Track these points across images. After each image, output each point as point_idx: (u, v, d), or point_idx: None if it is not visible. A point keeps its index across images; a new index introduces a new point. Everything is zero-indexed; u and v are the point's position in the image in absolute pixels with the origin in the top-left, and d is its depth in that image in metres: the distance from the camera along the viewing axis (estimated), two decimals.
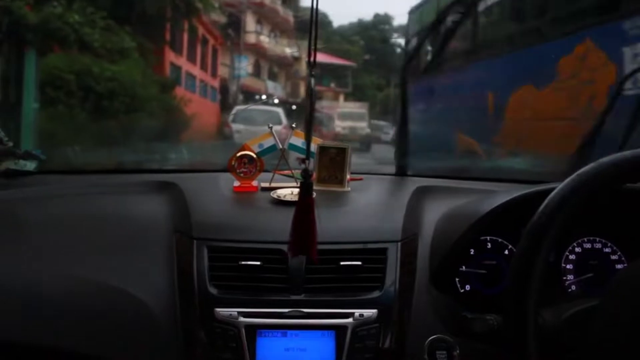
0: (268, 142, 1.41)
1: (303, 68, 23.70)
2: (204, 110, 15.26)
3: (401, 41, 29.70)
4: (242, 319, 1.03)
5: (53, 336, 1.04)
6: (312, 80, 0.91)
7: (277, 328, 1.04)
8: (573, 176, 0.86)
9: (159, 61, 12.12)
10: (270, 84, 23.32)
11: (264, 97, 21.21)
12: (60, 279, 1.08)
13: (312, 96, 0.91)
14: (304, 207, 0.95)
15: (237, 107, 16.74)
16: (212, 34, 18.07)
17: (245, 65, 20.60)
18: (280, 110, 15.13)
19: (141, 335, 1.05)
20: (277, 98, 22.31)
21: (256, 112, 12.62)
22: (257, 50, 22.62)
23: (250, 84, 21.36)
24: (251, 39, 21.76)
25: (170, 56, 13.79)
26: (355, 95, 26.17)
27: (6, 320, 1.04)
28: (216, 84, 18.85)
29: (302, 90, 24.31)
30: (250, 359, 1.01)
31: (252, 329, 1.03)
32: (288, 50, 24.25)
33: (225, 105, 18.07)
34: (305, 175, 0.94)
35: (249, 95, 20.69)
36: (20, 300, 1.05)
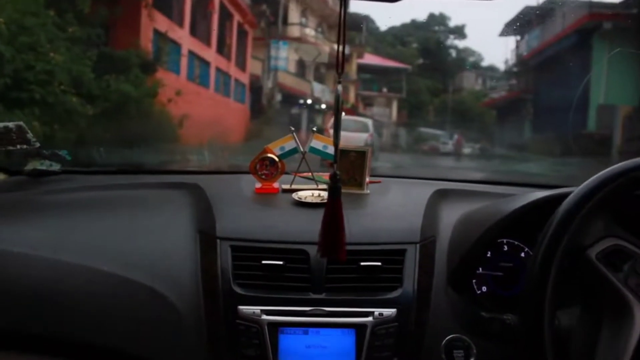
0: (289, 145, 1.44)
1: (353, 70, 22.27)
2: (223, 113, 12.88)
3: (458, 43, 28.94)
4: (264, 316, 1.05)
5: (77, 330, 1.08)
6: (339, 87, 0.94)
7: (298, 326, 1.07)
8: (590, 180, 0.88)
9: (129, 21, 8.15)
10: (317, 87, 20.65)
11: (309, 101, 19.21)
12: (86, 273, 1.11)
13: (339, 101, 0.94)
14: (333, 210, 0.97)
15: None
16: (238, 7, 13.93)
17: (285, 55, 17.54)
18: (369, 121, 14.79)
19: (165, 331, 1.08)
20: (325, 103, 20.13)
21: (347, 120, 12.56)
22: (301, 47, 19.81)
23: (292, 84, 18.83)
24: (294, 32, 19.03)
25: (155, 21, 9.08)
26: (409, 101, 24.76)
27: (29, 314, 1.08)
28: (245, 79, 15.59)
29: (352, 94, 22.57)
30: (272, 355, 1.04)
31: (275, 327, 1.05)
32: (335, 47, 22.23)
33: (257, 109, 16.06)
34: (334, 178, 0.96)
35: (291, 99, 18.32)
36: (43, 294, 1.09)
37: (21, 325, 1.08)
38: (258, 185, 1.40)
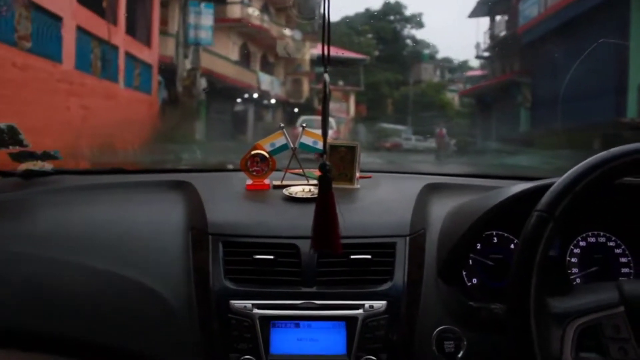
0: (280, 142, 1.45)
1: (306, 60, 19.26)
2: (113, 109, 7.99)
3: (415, 33, 26.61)
4: (256, 310, 1.07)
5: (71, 326, 1.09)
6: (327, 77, 0.93)
7: (290, 319, 1.08)
8: (572, 169, 0.90)
9: None
10: (265, 78, 17.82)
11: (255, 95, 16.72)
12: (79, 270, 1.13)
13: (327, 94, 0.93)
14: (324, 201, 0.95)
15: (303, 117, 14.10)
16: None
17: (209, 23, 12.37)
18: (332, 119, 13.12)
19: (159, 326, 1.09)
20: (274, 97, 18.17)
21: (310, 120, 11.03)
22: (244, 30, 16.38)
23: (234, 75, 15.80)
24: (235, 12, 16.06)
25: None
26: (367, 94, 22.40)
27: (25, 311, 1.09)
28: (151, 58, 10.18)
29: (306, 88, 20.12)
30: (264, 348, 1.05)
31: (266, 320, 1.07)
32: (287, 33, 17.42)
33: (172, 102, 11.47)
34: (324, 169, 0.95)
35: (234, 92, 15.49)
36: (39, 291, 1.10)
37: (15, 323, 1.09)
38: (249, 182, 1.42)
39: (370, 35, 24.40)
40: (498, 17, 18.60)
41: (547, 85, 11.96)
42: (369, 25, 23.93)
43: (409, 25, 26.35)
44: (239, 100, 16.52)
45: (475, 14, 19.62)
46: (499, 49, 18.95)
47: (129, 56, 9.22)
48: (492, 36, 18.71)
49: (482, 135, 15.97)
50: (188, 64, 12.51)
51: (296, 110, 19.35)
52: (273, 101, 18.21)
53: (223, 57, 15.06)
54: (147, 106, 10.12)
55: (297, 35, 16.37)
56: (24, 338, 1.10)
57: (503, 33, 18.09)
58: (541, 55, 13.45)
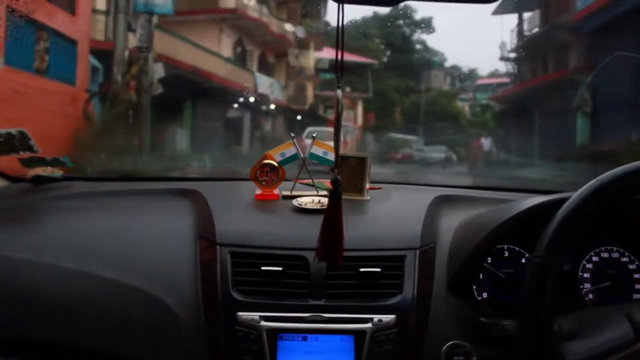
0: (290, 152, 1.44)
1: (311, 63, 17.48)
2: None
3: (425, 38, 24.97)
4: (263, 323, 1.05)
5: (78, 335, 1.08)
6: (339, 92, 0.93)
7: (297, 332, 1.06)
8: (587, 185, 0.89)
9: None
10: (263, 80, 15.36)
11: (252, 99, 14.37)
12: (87, 279, 1.12)
13: (340, 105, 0.93)
14: (333, 215, 0.96)
15: (310, 128, 12.48)
16: None
17: None
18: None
19: (165, 337, 1.08)
20: (274, 102, 15.73)
21: (320, 132, 11.61)
22: (239, 23, 14.45)
23: (227, 75, 13.35)
24: (228, 0, 14.15)
25: None
26: (375, 102, 21.12)
27: (31, 319, 1.08)
28: (76, 33, 7.36)
29: (310, 94, 18.24)
30: None
31: (274, 333, 1.05)
32: (288, 28, 15.78)
33: (111, 98, 7.94)
34: (335, 184, 0.95)
35: (226, 95, 13.28)
36: (45, 299, 1.10)
37: (23, 331, 1.08)
38: (258, 191, 1.41)
39: (377, 40, 23.01)
40: (527, 14, 16.12)
41: (615, 84, 9.36)
42: (376, 29, 22.35)
43: (418, 30, 24.58)
44: (231, 104, 14.28)
45: (500, 10, 16.56)
46: (534, 46, 16.12)
47: (31, 23, 5.19)
48: (521, 34, 16.41)
49: (520, 147, 13.24)
50: (135, 42, 8.70)
51: (299, 117, 17.58)
52: (272, 107, 15.99)
53: (212, 53, 13.28)
54: (66, 102, 6.68)
55: (301, 32, 15.27)
56: (29, 347, 1.10)
57: (535, 29, 15.78)
58: (606, 47, 10.39)
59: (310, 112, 18.09)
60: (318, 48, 17.11)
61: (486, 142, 13.46)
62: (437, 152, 14.42)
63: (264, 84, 15.48)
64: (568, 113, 11.94)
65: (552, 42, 14.72)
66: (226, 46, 14.23)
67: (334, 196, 0.96)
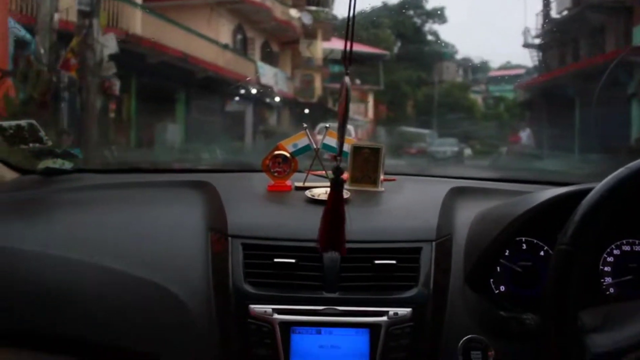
0: (302, 142, 1.42)
1: (319, 53, 16.52)
2: None
3: (438, 28, 23.51)
4: (276, 315, 1.04)
5: (88, 327, 1.07)
6: (347, 79, 0.90)
7: (311, 325, 1.04)
8: (610, 176, 0.86)
9: None
10: (266, 70, 14.22)
11: (254, 90, 13.18)
12: (97, 271, 1.11)
13: (348, 94, 0.90)
14: (333, 204, 0.95)
15: (321, 125, 12.83)
16: None
17: None
18: (351, 127, 11.16)
19: (177, 329, 1.07)
20: (278, 94, 14.70)
21: (333, 128, 11.01)
22: (239, 8, 13.29)
23: (226, 64, 12.23)
24: None
25: None
26: (387, 94, 20.00)
27: (39, 311, 1.08)
28: None
29: (318, 86, 16.99)
30: (284, 355, 1.02)
31: (287, 326, 1.04)
32: (293, 14, 14.77)
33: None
34: (337, 172, 0.94)
35: (222, 86, 12.18)
36: (54, 291, 1.09)
37: (32, 323, 1.08)
38: (271, 183, 1.39)
39: (388, 30, 21.30)
40: None
41: None
42: (387, 18, 20.65)
43: (430, 20, 23.29)
44: (231, 96, 13.00)
45: None
46: (565, 29, 14.27)
47: None
48: (548, 16, 14.74)
49: (557, 140, 11.65)
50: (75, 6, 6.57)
51: (307, 111, 16.36)
52: (277, 99, 14.88)
53: (208, 39, 11.93)
54: None
55: (307, 18, 14.42)
56: (36, 338, 1.09)
57: (565, 12, 13.87)
58: None
59: (319, 105, 16.91)
60: (326, 38, 16.19)
61: (524, 135, 12.16)
62: (448, 146, 13.79)
63: (268, 74, 14.34)
64: (620, 101, 10.44)
65: (586, 24, 13.15)
66: (225, 33, 12.85)
67: (336, 185, 0.95)
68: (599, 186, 0.86)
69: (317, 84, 17.42)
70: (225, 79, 12.32)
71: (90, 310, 1.08)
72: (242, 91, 13.21)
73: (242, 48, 13.96)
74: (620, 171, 0.86)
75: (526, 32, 15.50)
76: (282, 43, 15.89)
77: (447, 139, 14.41)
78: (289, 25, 15.22)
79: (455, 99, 19.93)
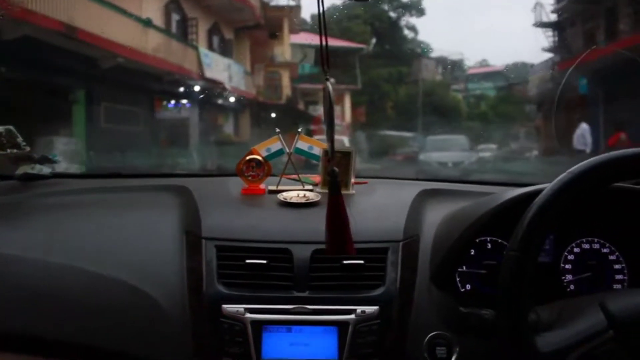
0: (275, 147, 1.45)
1: (286, 45, 13.90)
2: None
3: (415, 21, 21.46)
4: (248, 315, 1.07)
5: (62, 329, 1.09)
6: (329, 84, 0.94)
7: (282, 324, 1.08)
8: (559, 177, 0.90)
9: None
10: (213, 60, 10.88)
11: (197, 87, 10.07)
12: (75, 273, 1.13)
13: (331, 99, 0.94)
14: (334, 207, 0.97)
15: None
16: None
17: None
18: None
19: (150, 329, 1.09)
20: (233, 93, 11.42)
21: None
22: None
23: (153, 50, 8.74)
24: None
25: None
26: (364, 93, 17.89)
27: (18, 314, 1.10)
28: None
29: (286, 84, 14.26)
30: (256, 353, 1.05)
31: (258, 325, 1.07)
32: None
33: None
34: (332, 174, 0.96)
35: (147, 81, 8.70)
36: (32, 294, 1.11)
37: (10, 325, 1.09)
38: (245, 186, 1.42)
39: (361, 23, 19.45)
40: None
41: None
42: (360, 10, 18.61)
43: (407, 13, 21.48)
44: (167, 96, 9.25)
45: None
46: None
47: None
48: None
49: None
50: None
51: (273, 115, 13.41)
52: (232, 99, 11.57)
53: (120, 11, 8.16)
54: None
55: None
56: (15, 341, 1.11)
57: None
58: None
59: (288, 108, 14.20)
60: (293, 30, 13.46)
61: (583, 132, 9.30)
62: (456, 150, 10.91)
63: (217, 66, 10.82)
64: None
65: None
66: (153, 9, 9.28)
67: (332, 187, 0.98)
68: (544, 192, 0.91)
69: (285, 82, 14.64)
70: (152, 71, 8.46)
71: (65, 311, 1.10)
72: (181, 89, 9.36)
73: (180, 31, 10.34)
74: (563, 176, 0.91)
75: (538, 7, 13.08)
76: (237, 28, 12.49)
77: (451, 138, 11.66)
78: (246, 5, 11.94)
79: (440, 98, 17.75)
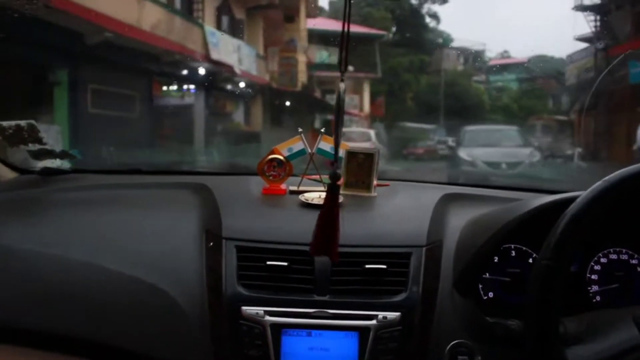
0: (297, 147, 1.44)
1: (302, 32, 12.74)
2: None
3: (437, 9, 20.55)
4: (268, 317, 1.05)
5: (84, 326, 1.09)
6: (342, 85, 0.91)
7: (302, 327, 1.06)
8: (594, 186, 0.88)
9: None
10: (220, 40, 9.67)
11: (202, 70, 9.17)
12: (94, 271, 1.12)
13: (341, 99, 0.92)
14: (329, 209, 0.96)
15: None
16: None
17: None
18: (371, 131, 9.44)
19: (169, 329, 1.08)
20: (243, 77, 10.27)
21: (349, 132, 7.71)
22: None
23: (151, 27, 7.80)
24: None
25: None
26: (384, 82, 16.79)
27: (36, 310, 1.09)
28: None
29: (303, 70, 13.02)
30: (275, 356, 1.04)
31: (278, 328, 1.05)
32: None
33: None
34: (333, 178, 0.95)
35: (144, 62, 7.74)
36: (51, 290, 1.11)
37: (29, 321, 1.09)
38: (266, 186, 1.41)
39: (383, 9, 18.51)
40: None
41: None
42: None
43: (429, 1, 20.41)
44: (166, 79, 8.27)
45: None
46: None
47: None
48: None
49: None
50: None
51: (288, 103, 12.73)
52: (242, 85, 10.54)
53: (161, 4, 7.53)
54: None
55: None
56: (33, 336, 1.10)
57: None
58: None
59: (304, 96, 13.08)
60: (310, 14, 12.45)
61: None
62: (510, 145, 8.82)
63: (224, 46, 9.57)
64: None
65: None
66: None
67: (332, 190, 0.96)
68: (578, 200, 0.88)
69: (302, 68, 13.43)
70: (149, 49, 7.35)
71: (85, 309, 1.09)
72: (184, 71, 8.19)
73: (185, 7, 9.21)
74: (598, 184, 0.88)
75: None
76: (249, 8, 11.15)
77: (500, 128, 9.87)
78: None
79: (464, 89, 16.44)
